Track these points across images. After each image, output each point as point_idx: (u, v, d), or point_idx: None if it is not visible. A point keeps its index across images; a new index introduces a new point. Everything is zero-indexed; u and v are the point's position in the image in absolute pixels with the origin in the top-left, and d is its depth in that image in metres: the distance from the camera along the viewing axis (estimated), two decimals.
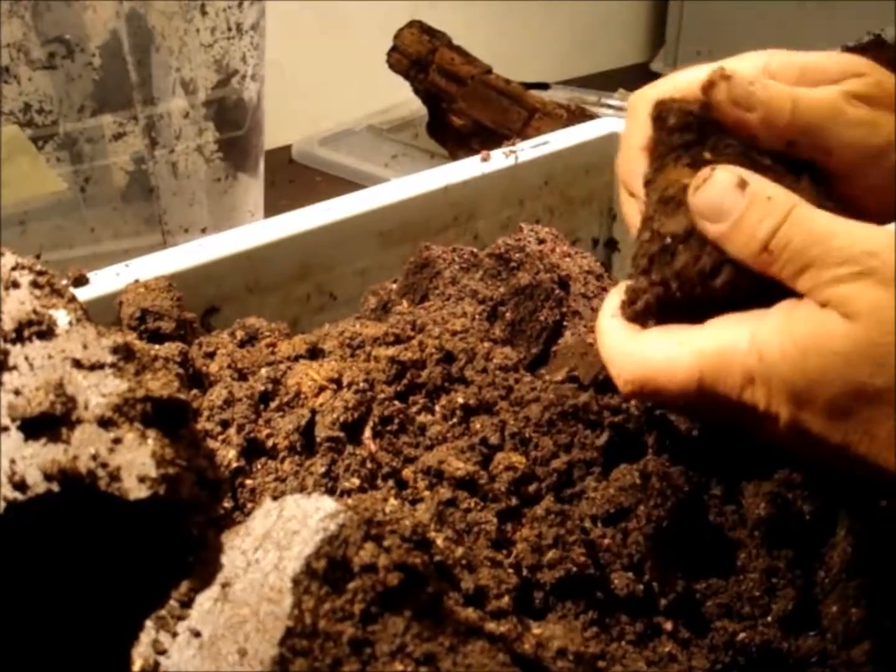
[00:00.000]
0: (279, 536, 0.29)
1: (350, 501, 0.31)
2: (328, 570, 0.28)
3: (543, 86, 1.43)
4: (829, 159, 0.40)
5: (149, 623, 0.29)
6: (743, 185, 0.37)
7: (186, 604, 0.29)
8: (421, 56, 1.22)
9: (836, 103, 0.39)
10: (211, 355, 0.50)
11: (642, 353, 0.38)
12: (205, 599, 0.29)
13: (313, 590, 0.28)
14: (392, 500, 0.36)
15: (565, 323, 0.54)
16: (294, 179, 1.26)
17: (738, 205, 0.36)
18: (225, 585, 0.29)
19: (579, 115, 1.18)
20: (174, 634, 0.29)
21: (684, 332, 0.38)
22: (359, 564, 0.29)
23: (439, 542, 0.34)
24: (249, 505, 0.41)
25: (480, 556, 0.36)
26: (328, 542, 0.29)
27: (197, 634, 0.28)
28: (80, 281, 0.55)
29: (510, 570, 0.36)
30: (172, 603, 0.29)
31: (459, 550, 0.34)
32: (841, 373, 0.33)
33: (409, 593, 0.29)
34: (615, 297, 0.42)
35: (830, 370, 0.34)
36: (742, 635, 0.38)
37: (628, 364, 0.39)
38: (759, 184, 0.37)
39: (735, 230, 0.36)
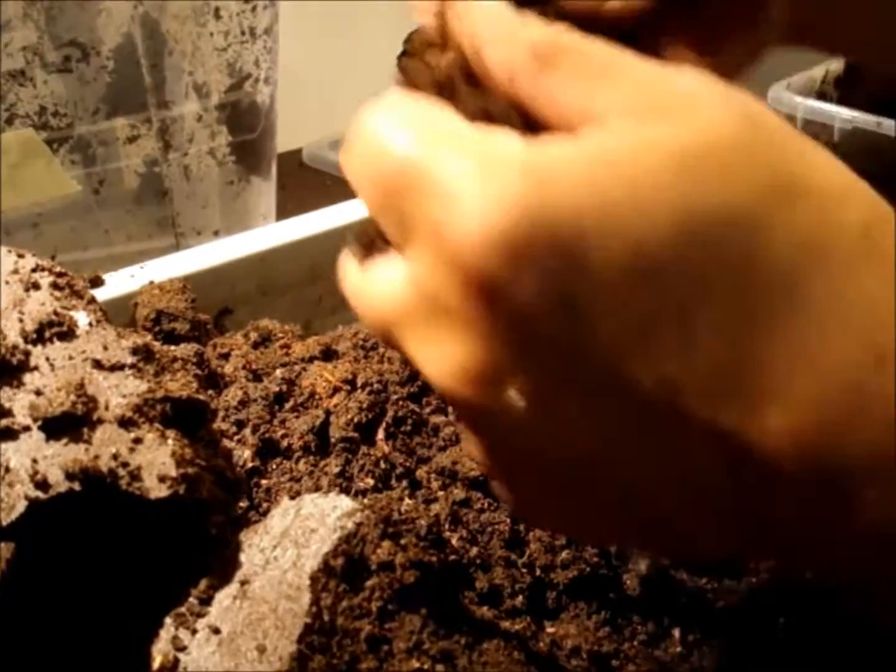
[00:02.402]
0: (297, 534, 0.30)
1: (366, 501, 0.31)
2: (346, 567, 0.29)
3: None
4: None
5: (168, 620, 0.30)
6: None
7: (206, 601, 0.30)
8: None
9: None
10: (225, 356, 0.51)
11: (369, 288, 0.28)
12: (224, 597, 0.30)
13: (331, 587, 0.28)
14: (407, 500, 0.37)
15: None
16: (305, 182, 1.26)
17: None
18: (244, 583, 0.29)
19: None
20: (194, 631, 0.29)
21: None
22: (376, 562, 0.29)
23: (454, 541, 0.34)
24: (265, 504, 0.42)
25: (494, 555, 0.36)
26: (346, 541, 0.29)
27: (216, 631, 0.29)
28: (96, 282, 0.56)
29: (524, 570, 0.36)
30: (192, 600, 0.30)
31: (474, 550, 0.35)
32: None
33: (425, 591, 0.29)
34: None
35: None
36: (753, 636, 0.38)
37: (361, 306, 0.28)
38: None
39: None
